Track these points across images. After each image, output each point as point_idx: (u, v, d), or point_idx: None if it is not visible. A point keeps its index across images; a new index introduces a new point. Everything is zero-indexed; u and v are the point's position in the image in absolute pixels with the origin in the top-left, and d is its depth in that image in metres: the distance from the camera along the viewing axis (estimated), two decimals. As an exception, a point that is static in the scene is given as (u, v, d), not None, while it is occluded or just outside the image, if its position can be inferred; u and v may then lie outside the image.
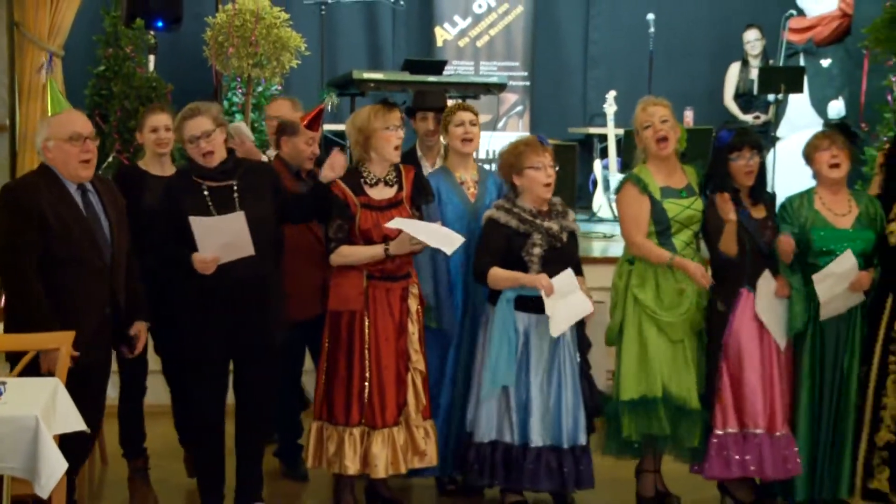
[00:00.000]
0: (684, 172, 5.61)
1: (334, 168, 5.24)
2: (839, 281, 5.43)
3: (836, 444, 5.56)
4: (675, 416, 5.47)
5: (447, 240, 5.27)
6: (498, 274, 5.38)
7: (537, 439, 5.42)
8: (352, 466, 5.29)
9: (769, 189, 6.10)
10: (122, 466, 5.86)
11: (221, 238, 5.03)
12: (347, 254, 5.28)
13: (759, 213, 5.57)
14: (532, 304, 5.41)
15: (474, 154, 6.04)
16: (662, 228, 5.47)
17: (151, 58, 8.96)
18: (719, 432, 5.51)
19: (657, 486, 5.72)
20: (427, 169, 5.99)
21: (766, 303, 5.50)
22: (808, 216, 5.55)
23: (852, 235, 5.52)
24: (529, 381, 5.45)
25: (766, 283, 5.51)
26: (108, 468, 6.19)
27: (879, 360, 5.49)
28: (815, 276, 5.45)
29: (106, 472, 6.17)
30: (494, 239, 5.43)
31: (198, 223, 4.99)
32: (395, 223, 5.22)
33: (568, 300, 5.36)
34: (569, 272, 5.36)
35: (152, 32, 8.91)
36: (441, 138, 5.93)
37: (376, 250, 5.25)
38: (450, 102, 6.24)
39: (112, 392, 5.44)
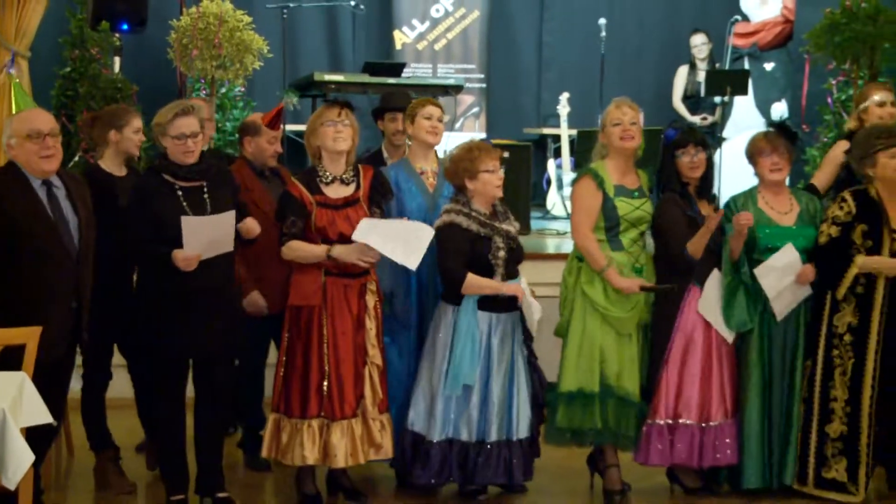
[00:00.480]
0: (638, 175, 5.64)
1: (251, 232, 5.30)
2: (784, 275, 5.49)
3: (785, 433, 5.62)
4: (616, 409, 5.50)
5: (413, 245, 5.24)
6: (476, 282, 5.37)
7: (494, 435, 5.44)
8: (311, 457, 5.28)
9: (715, 187, 6.13)
10: (88, 457, 5.82)
11: (208, 236, 5.05)
12: (295, 248, 5.27)
13: (706, 209, 5.63)
14: (493, 304, 5.46)
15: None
16: (612, 225, 5.50)
17: (117, 59, 8.89)
18: (650, 422, 5.56)
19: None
20: None
21: (712, 301, 5.55)
22: (753, 215, 5.59)
23: (795, 232, 5.60)
24: (490, 379, 5.46)
25: (714, 281, 5.57)
26: (75, 459, 6.14)
27: (824, 354, 5.54)
28: (756, 271, 5.51)
29: (73, 463, 6.12)
30: (459, 243, 5.39)
31: (189, 223, 4.99)
32: (359, 233, 5.19)
33: (531, 301, 5.50)
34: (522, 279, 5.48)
35: (118, 35, 8.85)
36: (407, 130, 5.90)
37: (319, 250, 5.23)
38: None
39: (76, 384, 5.44)
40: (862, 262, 5.48)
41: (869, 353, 5.51)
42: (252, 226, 5.30)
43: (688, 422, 5.52)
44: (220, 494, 5.36)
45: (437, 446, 5.44)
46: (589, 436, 5.59)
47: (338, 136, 5.31)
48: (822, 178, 6.21)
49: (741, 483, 5.63)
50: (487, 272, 5.39)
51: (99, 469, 5.73)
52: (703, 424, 5.54)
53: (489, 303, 5.43)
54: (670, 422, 5.55)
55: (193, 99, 5.92)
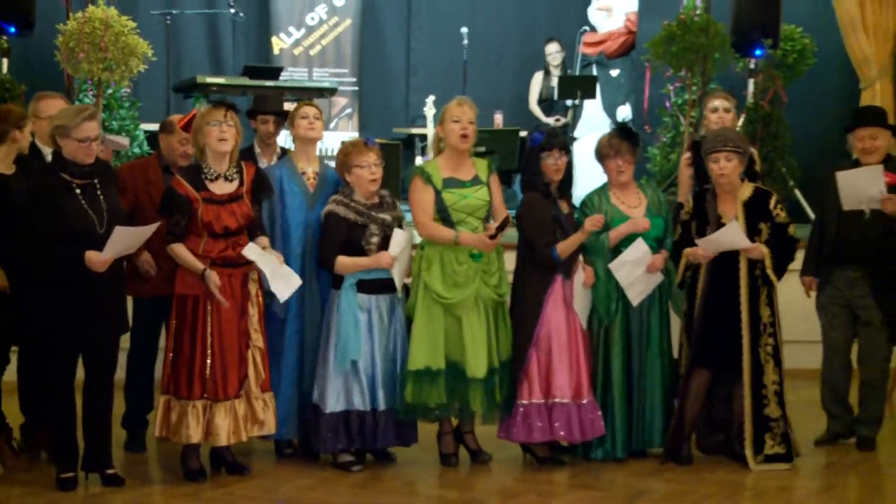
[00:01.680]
0: (474, 166, 5.68)
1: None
2: (635, 267, 5.61)
3: (646, 405, 5.74)
4: (461, 386, 5.55)
5: (285, 283, 5.35)
6: (344, 262, 5.47)
7: (383, 404, 5.53)
8: (195, 436, 5.27)
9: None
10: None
11: (128, 243, 5.06)
12: (177, 253, 5.26)
13: (567, 208, 5.71)
14: (371, 286, 5.54)
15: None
16: (444, 216, 5.56)
17: (5, 61, 8.65)
18: (525, 402, 5.59)
19: (470, 445, 5.81)
20: (264, 164, 5.97)
21: (577, 291, 5.64)
22: (607, 210, 5.71)
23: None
24: (374, 352, 5.53)
25: (579, 274, 5.66)
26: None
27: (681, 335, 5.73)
28: (610, 266, 5.62)
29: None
30: (336, 230, 5.48)
31: (120, 231, 4.97)
32: (248, 251, 5.24)
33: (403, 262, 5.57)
34: (397, 239, 5.50)
35: (5, 37, 8.62)
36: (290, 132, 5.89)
37: (198, 265, 5.22)
38: (289, 106, 6.24)
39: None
40: (687, 252, 5.64)
41: (693, 334, 5.68)
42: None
43: (564, 400, 5.57)
44: (109, 471, 5.29)
45: (334, 416, 5.50)
46: (435, 411, 5.62)
47: (222, 136, 5.27)
48: (683, 194, 6.36)
49: (605, 452, 5.72)
50: (362, 256, 5.48)
51: (-7, 450, 5.59)
52: (578, 402, 5.60)
53: (367, 286, 5.51)
54: (546, 401, 5.60)
55: (48, 95, 5.78)
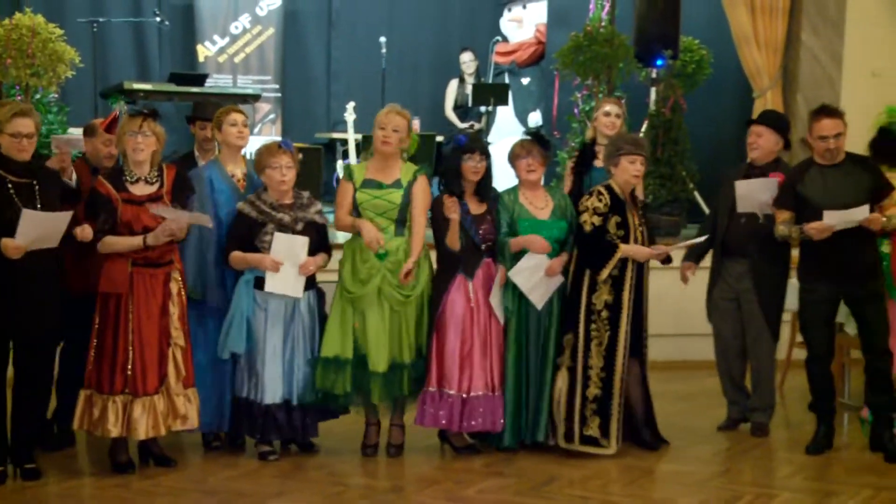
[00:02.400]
0: (400, 170, 5.68)
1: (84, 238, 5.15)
2: (534, 272, 5.65)
3: (537, 399, 5.75)
4: (365, 377, 5.55)
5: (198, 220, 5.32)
6: (234, 256, 5.50)
7: (269, 397, 5.52)
8: (114, 430, 5.22)
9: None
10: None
11: (40, 231, 4.92)
12: (111, 243, 5.20)
13: (479, 209, 5.70)
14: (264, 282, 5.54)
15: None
16: (356, 214, 5.60)
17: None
18: (430, 389, 5.62)
19: (396, 438, 5.79)
20: None
21: (495, 289, 5.67)
22: (515, 209, 5.76)
23: (549, 225, 5.74)
24: (266, 347, 5.52)
25: (499, 274, 5.69)
26: None
27: (584, 328, 5.67)
28: (509, 273, 5.65)
29: None
30: (238, 227, 5.53)
31: (27, 215, 4.85)
32: (155, 209, 5.20)
33: (292, 267, 5.47)
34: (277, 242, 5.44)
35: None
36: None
37: (136, 241, 5.17)
38: None
39: None
40: (624, 249, 5.64)
41: (621, 325, 5.67)
42: (87, 234, 5.11)
43: (451, 392, 5.58)
44: (28, 465, 5.23)
45: (232, 403, 5.59)
46: (340, 399, 5.62)
47: (136, 146, 5.25)
48: (568, 185, 6.47)
49: (501, 442, 5.75)
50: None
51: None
52: (465, 395, 5.61)
53: (264, 283, 5.50)
54: (438, 390, 5.62)
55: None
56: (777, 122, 6.30)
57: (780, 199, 5.82)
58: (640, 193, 6.04)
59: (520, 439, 5.78)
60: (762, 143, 6.13)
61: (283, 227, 5.50)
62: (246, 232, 5.50)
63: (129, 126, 5.26)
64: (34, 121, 5.08)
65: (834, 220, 5.51)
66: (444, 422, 5.64)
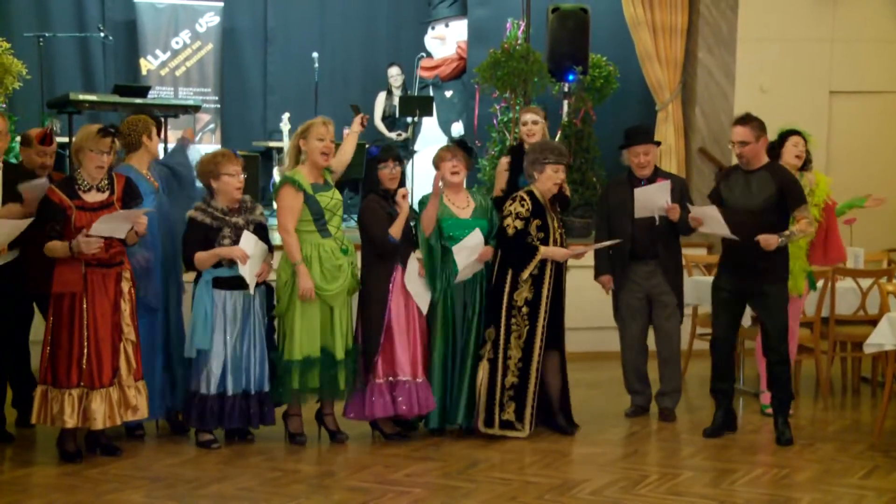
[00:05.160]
0: (323, 175, 5.65)
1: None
2: (470, 253, 5.68)
3: (459, 384, 5.76)
4: (332, 370, 5.54)
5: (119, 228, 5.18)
6: (200, 256, 5.42)
7: (231, 388, 5.48)
8: (70, 421, 5.14)
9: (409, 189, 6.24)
10: None
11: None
12: (50, 248, 5.12)
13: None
14: (225, 282, 5.49)
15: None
16: (318, 217, 5.53)
17: None
18: (379, 381, 5.60)
19: (330, 426, 5.78)
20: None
21: (412, 279, 5.68)
22: (440, 209, 5.75)
23: (471, 224, 5.77)
24: (227, 343, 5.48)
25: (412, 263, 5.71)
26: None
27: (505, 323, 5.69)
28: (454, 248, 5.66)
29: None
30: (194, 234, 5.45)
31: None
32: (84, 234, 5.08)
33: (253, 263, 5.48)
34: (245, 239, 5.45)
35: None
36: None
37: (64, 247, 5.08)
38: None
39: None
40: (544, 251, 5.68)
41: (539, 320, 5.71)
42: None
43: (405, 378, 5.59)
44: None
45: (198, 399, 5.51)
46: (314, 393, 5.62)
47: (101, 163, 5.19)
48: (498, 187, 6.47)
49: (427, 424, 5.77)
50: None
51: None
52: (417, 380, 5.64)
53: (221, 282, 5.46)
54: (391, 380, 5.61)
55: None
56: (651, 135, 6.43)
57: (710, 197, 5.97)
58: (566, 191, 6.07)
59: (443, 423, 5.79)
60: (651, 159, 6.20)
61: (238, 230, 5.49)
62: (202, 237, 5.44)
63: (98, 145, 5.17)
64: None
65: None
66: (404, 409, 5.61)
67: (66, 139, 8.53)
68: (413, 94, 11.51)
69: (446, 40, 12.03)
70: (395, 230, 5.59)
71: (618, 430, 6.11)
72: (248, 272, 5.47)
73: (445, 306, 5.77)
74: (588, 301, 7.13)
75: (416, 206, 5.85)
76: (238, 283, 5.50)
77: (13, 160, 5.74)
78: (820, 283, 6.70)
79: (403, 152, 9.67)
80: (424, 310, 5.73)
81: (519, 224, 5.67)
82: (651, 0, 9.63)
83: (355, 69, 12.28)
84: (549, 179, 5.73)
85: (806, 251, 6.32)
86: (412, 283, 5.68)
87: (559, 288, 5.82)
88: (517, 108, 9.18)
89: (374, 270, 5.69)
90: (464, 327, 5.79)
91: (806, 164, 6.36)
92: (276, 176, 10.25)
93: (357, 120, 5.93)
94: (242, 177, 5.54)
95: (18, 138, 6.59)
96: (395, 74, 11.38)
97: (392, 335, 5.62)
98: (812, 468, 5.32)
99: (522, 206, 5.69)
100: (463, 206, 5.86)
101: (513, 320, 5.70)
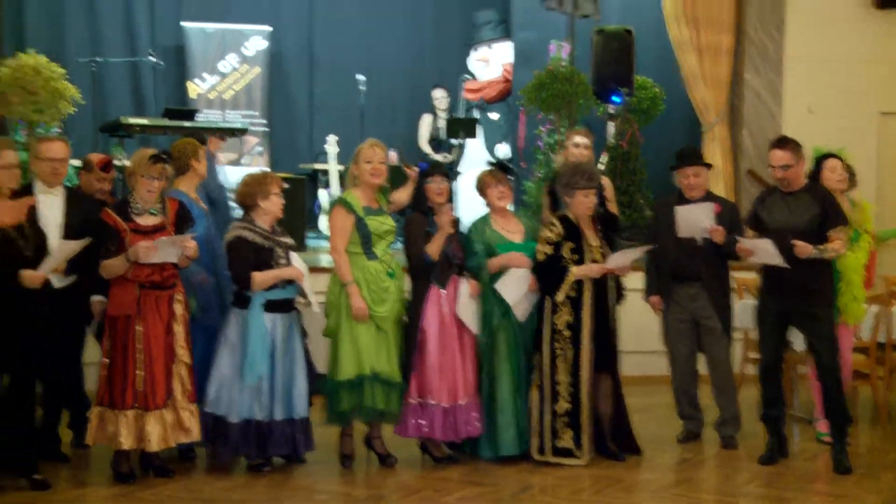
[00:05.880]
0: (378, 199, 5.64)
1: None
2: (518, 285, 5.61)
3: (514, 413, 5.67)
4: (383, 391, 5.48)
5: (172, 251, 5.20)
6: (260, 277, 5.36)
7: (280, 414, 5.41)
8: (126, 443, 5.15)
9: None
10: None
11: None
12: (107, 265, 5.16)
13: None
14: (277, 305, 5.44)
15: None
16: (366, 240, 5.50)
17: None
18: (411, 401, 5.57)
19: (379, 449, 5.72)
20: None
21: (463, 302, 5.61)
22: (490, 236, 5.71)
23: (523, 247, 5.72)
24: (275, 368, 5.41)
25: (464, 286, 5.64)
26: None
27: (549, 348, 5.60)
28: (496, 286, 5.61)
29: None
30: (245, 252, 5.37)
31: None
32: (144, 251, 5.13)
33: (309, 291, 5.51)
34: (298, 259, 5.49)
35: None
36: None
37: (120, 261, 5.12)
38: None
39: None
40: (575, 270, 5.59)
41: (583, 342, 5.61)
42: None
43: (432, 402, 5.53)
44: (36, 476, 5.18)
45: (237, 426, 5.37)
46: (364, 414, 5.56)
47: (152, 188, 5.25)
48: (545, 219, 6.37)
49: (495, 451, 5.67)
50: None
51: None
52: (452, 404, 5.56)
53: (273, 305, 5.40)
54: (421, 401, 5.56)
55: (54, 139, 5.67)
56: (701, 157, 6.33)
57: (747, 220, 5.91)
58: (613, 209, 5.98)
59: (518, 449, 5.67)
60: (702, 181, 6.12)
61: (289, 250, 5.51)
62: (253, 256, 5.38)
63: (149, 171, 5.23)
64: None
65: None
66: (426, 431, 5.56)
67: (119, 163, 8.59)
68: (458, 115, 11.48)
69: (490, 62, 12.00)
70: (433, 248, 5.54)
71: (670, 455, 6.00)
72: (310, 291, 5.46)
73: (508, 334, 5.71)
74: (637, 324, 7.00)
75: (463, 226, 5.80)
76: (287, 306, 5.48)
77: (66, 184, 5.75)
78: (873, 308, 6.53)
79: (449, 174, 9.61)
80: (475, 331, 5.66)
81: (548, 249, 5.61)
82: (696, 21, 9.55)
83: (401, 91, 12.28)
84: (580, 204, 5.64)
85: (863, 277, 6.16)
86: (463, 308, 5.61)
87: (603, 309, 5.69)
88: (562, 129, 9.11)
89: (414, 289, 5.67)
90: (527, 354, 5.75)
91: (850, 183, 6.21)
92: (322, 198, 10.26)
93: (411, 175, 5.87)
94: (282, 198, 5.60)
95: (76, 162, 6.68)
96: (439, 97, 11.37)
97: (425, 355, 5.56)
98: (872, 498, 5.18)
99: (552, 230, 5.63)
100: (513, 230, 5.81)
101: (556, 344, 5.61)
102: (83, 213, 5.43)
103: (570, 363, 5.60)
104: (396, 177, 6.08)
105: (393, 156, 11.03)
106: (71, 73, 8.64)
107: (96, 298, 5.47)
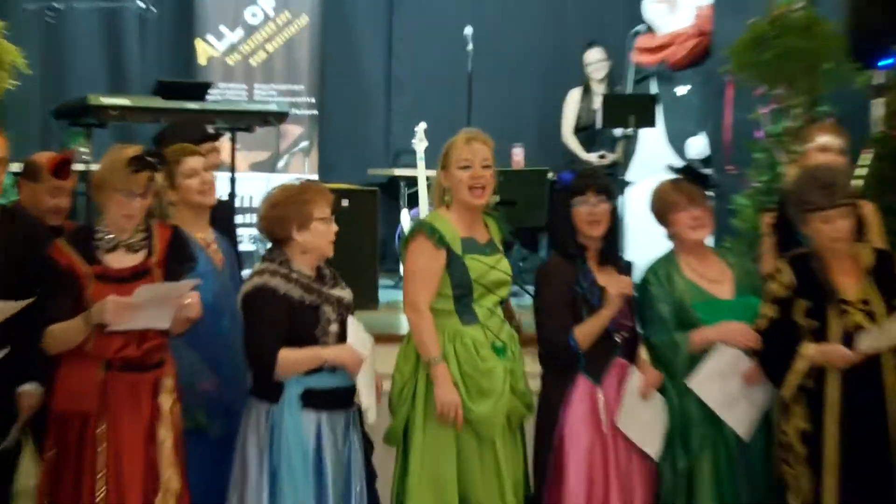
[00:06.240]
0: (486, 225, 5.70)
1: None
2: (725, 378, 5.58)
3: None
4: None
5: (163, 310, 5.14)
6: (291, 357, 5.29)
7: None
8: None
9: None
10: None
11: None
12: (54, 333, 5.08)
13: (604, 279, 5.63)
14: (322, 398, 5.38)
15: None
16: (463, 292, 5.52)
17: None
18: None
19: None
20: None
21: (629, 407, 5.59)
22: (679, 286, 5.69)
23: (736, 306, 5.69)
24: (328, 494, 5.37)
25: (634, 379, 5.61)
26: None
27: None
28: (690, 384, 5.60)
29: None
30: (273, 313, 5.32)
31: None
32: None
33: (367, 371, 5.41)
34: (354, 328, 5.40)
35: None
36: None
37: (75, 326, 5.04)
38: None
39: None
40: (811, 352, 5.45)
41: (827, 467, 5.47)
42: None
43: None
44: None
45: None
46: None
47: (131, 211, 5.19)
48: (767, 266, 6.23)
49: None
50: None
51: None
52: None
53: (317, 398, 5.37)
54: None
55: None
56: None
57: None
58: (879, 242, 5.90)
59: None
60: None
61: (343, 309, 5.44)
62: (286, 319, 5.32)
63: (129, 184, 5.16)
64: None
65: None
66: None
67: (83, 166, 8.82)
68: (624, 90, 11.48)
69: (677, 4, 12.00)
70: (584, 333, 5.52)
71: None
72: (366, 387, 5.37)
73: (717, 460, 5.68)
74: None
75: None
76: (341, 400, 5.44)
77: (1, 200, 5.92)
78: None
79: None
80: (655, 455, 5.65)
81: (773, 311, 5.55)
82: None
83: (532, 53, 12.48)
84: (820, 235, 5.52)
85: None
86: (630, 418, 5.60)
87: (865, 411, 5.51)
88: (796, 112, 9.01)
89: (547, 379, 5.74)
90: (741, 475, 5.71)
91: None
92: (405, 223, 10.33)
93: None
94: (334, 225, 5.51)
95: (16, 166, 6.86)
96: (595, 60, 11.44)
97: (564, 487, 5.56)
98: None
99: (779, 280, 5.57)
100: (717, 277, 5.79)
101: (784, 467, 5.55)
102: (20, 247, 5.46)
103: (807, 499, 5.49)
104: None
105: (518, 155, 11.11)
106: (13, 26, 8.89)
107: (27, 388, 5.45)
